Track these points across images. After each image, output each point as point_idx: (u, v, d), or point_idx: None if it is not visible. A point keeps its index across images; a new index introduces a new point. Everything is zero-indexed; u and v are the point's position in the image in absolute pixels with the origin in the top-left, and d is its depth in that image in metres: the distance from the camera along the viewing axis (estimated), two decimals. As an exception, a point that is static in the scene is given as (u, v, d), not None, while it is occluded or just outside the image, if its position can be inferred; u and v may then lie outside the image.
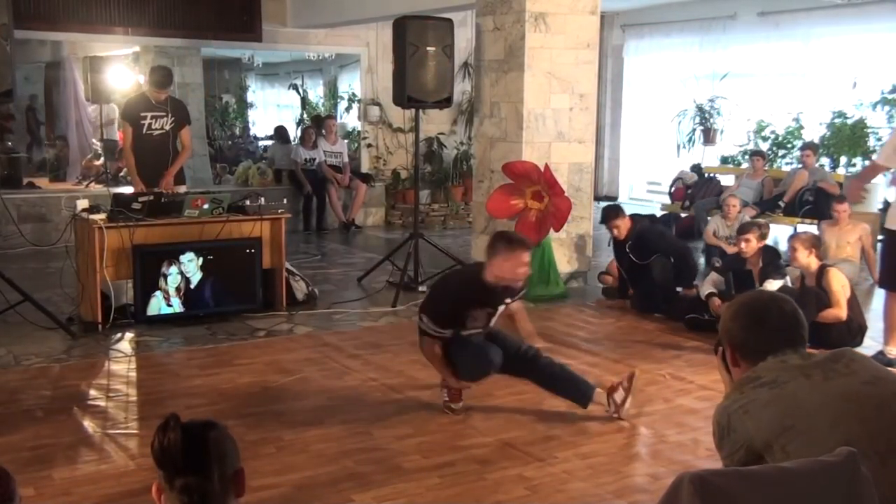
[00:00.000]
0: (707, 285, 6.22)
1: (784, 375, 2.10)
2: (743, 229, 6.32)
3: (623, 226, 6.79)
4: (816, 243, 5.86)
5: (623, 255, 6.84)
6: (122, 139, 7.84)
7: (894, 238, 5.36)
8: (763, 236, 6.20)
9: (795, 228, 8.95)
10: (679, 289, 6.60)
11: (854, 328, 5.61)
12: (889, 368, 2.31)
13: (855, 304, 5.72)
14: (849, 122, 10.07)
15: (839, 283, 5.61)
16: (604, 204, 12.51)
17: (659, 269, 6.58)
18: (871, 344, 5.73)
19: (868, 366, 2.16)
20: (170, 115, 6.95)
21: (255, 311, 6.43)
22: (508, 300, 4.50)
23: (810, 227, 8.26)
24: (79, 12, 10.01)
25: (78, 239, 6.26)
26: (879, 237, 8.74)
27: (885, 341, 5.45)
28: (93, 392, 4.86)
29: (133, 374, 5.21)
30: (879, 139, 9.85)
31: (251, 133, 17.15)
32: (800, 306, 2.30)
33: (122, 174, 10.54)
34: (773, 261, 6.20)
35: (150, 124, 6.91)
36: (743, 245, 6.13)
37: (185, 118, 7.15)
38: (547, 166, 6.93)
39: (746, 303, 2.29)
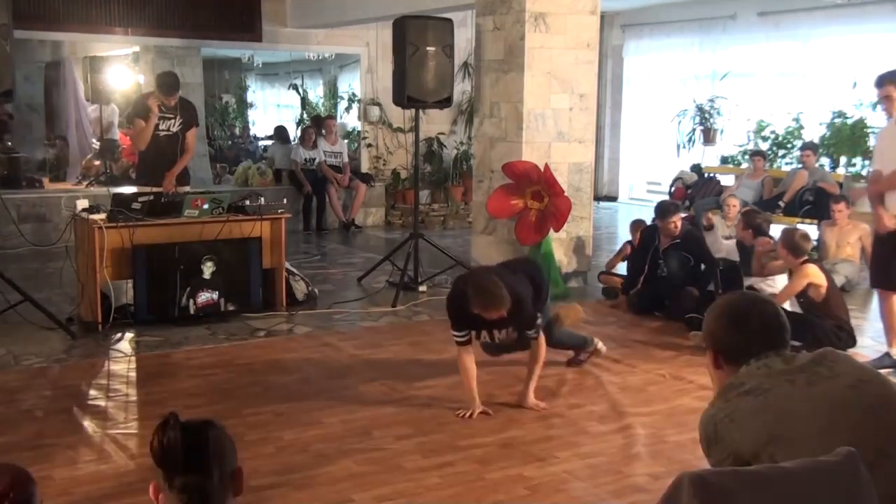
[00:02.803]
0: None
1: (767, 382, 2.08)
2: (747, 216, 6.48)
3: (680, 222, 6.68)
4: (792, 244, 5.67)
5: (650, 255, 6.74)
6: (126, 139, 7.84)
7: (884, 237, 5.31)
8: (752, 225, 6.29)
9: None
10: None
11: (844, 330, 5.54)
12: (878, 370, 2.29)
13: (840, 306, 5.63)
14: (849, 122, 10.07)
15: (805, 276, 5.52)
16: (604, 203, 12.47)
17: (676, 262, 6.55)
18: (871, 344, 5.73)
19: (852, 367, 2.14)
20: (178, 118, 6.93)
21: (255, 311, 6.43)
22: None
23: (810, 228, 8.26)
24: (79, 12, 10.01)
25: (78, 239, 6.26)
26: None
27: (888, 343, 5.42)
28: (93, 392, 4.86)
29: (133, 374, 5.21)
30: (879, 139, 9.84)
31: (251, 133, 17.15)
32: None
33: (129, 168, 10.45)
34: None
35: (157, 125, 6.89)
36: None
37: (194, 119, 7.08)
38: (547, 166, 6.93)
39: (727, 304, 2.27)
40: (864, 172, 9.78)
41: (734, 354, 2.18)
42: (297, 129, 13.65)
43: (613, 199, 14.16)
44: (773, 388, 2.06)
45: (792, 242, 5.62)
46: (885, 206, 5.16)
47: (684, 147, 12.10)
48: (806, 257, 5.62)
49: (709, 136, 11.80)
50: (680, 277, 6.53)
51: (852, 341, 5.49)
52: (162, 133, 6.90)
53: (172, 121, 6.91)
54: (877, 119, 9.91)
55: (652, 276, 6.70)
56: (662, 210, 6.69)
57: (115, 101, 11.84)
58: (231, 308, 6.35)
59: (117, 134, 11.95)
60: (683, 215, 6.95)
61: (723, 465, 2.07)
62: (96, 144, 12.00)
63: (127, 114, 9.57)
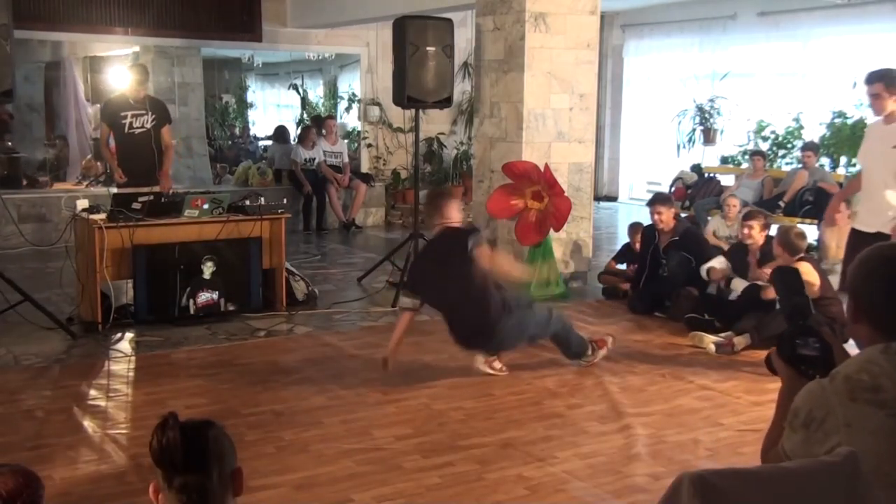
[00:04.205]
0: (712, 262, 6.32)
1: None
2: (749, 216, 6.38)
3: (667, 216, 6.60)
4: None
5: (650, 251, 6.74)
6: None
7: (858, 238, 5.18)
8: (767, 226, 6.24)
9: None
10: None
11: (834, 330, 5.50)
12: None
13: (835, 304, 5.61)
14: (849, 122, 10.06)
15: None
16: (604, 203, 12.47)
17: (676, 262, 6.55)
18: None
19: None
20: (150, 114, 6.98)
21: (255, 311, 6.42)
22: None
23: (810, 228, 8.26)
24: (79, 12, 10.01)
25: (78, 239, 6.26)
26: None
27: None
28: (93, 392, 4.86)
29: (133, 374, 5.21)
30: (879, 139, 9.84)
31: (251, 133, 17.15)
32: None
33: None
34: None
35: (130, 123, 6.94)
36: (746, 231, 6.20)
37: (166, 117, 7.17)
38: (547, 166, 6.93)
39: (885, 261, 1.95)
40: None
41: (877, 320, 1.91)
42: (297, 129, 13.64)
43: (613, 199, 14.16)
44: None
45: (787, 240, 5.63)
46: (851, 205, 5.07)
47: (684, 147, 12.10)
48: (802, 255, 5.61)
49: (709, 136, 11.80)
50: (680, 277, 6.53)
51: (844, 339, 5.47)
52: (137, 130, 6.93)
53: (145, 117, 6.94)
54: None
55: (652, 276, 6.70)
56: (652, 198, 6.84)
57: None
58: (231, 308, 6.35)
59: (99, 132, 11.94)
60: (684, 215, 6.94)
61: (805, 445, 1.89)
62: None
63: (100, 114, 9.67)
